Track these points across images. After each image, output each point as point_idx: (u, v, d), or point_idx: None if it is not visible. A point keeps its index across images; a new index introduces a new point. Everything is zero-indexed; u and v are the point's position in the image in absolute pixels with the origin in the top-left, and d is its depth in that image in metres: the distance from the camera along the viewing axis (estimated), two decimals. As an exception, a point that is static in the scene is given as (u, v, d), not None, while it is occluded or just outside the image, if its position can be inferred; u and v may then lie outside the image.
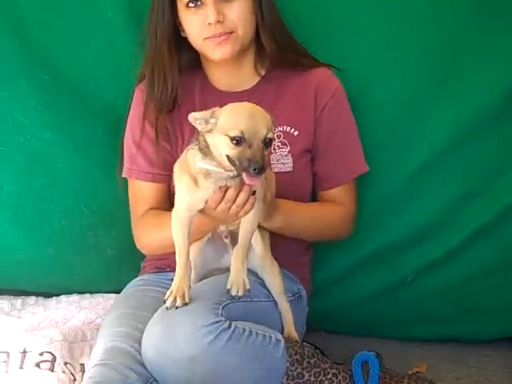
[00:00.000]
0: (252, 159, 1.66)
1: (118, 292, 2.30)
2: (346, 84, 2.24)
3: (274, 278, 2.01)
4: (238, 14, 2.04)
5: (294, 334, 2.01)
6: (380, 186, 2.40)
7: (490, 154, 2.36)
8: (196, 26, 2.06)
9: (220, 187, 1.78)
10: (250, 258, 1.93)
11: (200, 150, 1.78)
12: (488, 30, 2.27)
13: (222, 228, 1.98)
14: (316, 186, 2.25)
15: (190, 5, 2.04)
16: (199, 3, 2.03)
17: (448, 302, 2.49)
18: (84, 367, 2.09)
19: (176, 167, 1.88)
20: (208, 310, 1.77)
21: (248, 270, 1.93)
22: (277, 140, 2.16)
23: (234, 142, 1.69)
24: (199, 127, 1.75)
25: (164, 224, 1.96)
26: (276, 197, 2.00)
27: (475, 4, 2.26)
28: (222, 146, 1.71)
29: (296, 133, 2.17)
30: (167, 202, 2.18)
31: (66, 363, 2.07)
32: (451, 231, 2.41)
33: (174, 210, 1.85)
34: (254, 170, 1.66)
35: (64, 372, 2.02)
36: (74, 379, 2.03)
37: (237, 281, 1.85)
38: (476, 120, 2.33)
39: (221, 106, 1.78)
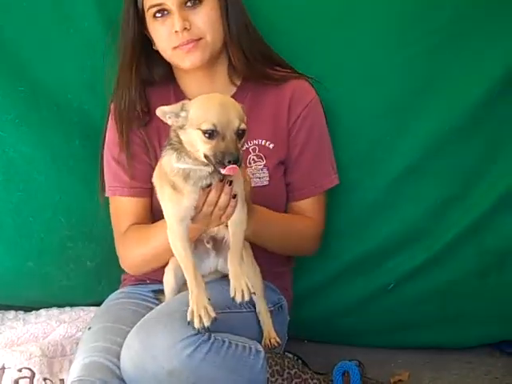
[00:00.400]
0: (226, 151, 1.64)
1: (98, 304, 2.29)
2: (326, 95, 2.24)
3: (255, 281, 1.97)
4: (205, 20, 2.03)
5: (274, 335, 1.98)
6: (360, 195, 2.40)
7: (468, 160, 2.37)
8: (164, 35, 2.05)
9: (203, 189, 1.76)
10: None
11: (174, 149, 1.75)
12: (464, 42, 2.28)
13: (203, 234, 1.95)
14: (287, 196, 2.23)
15: (157, 15, 2.04)
16: (165, 13, 2.03)
17: (430, 308, 2.49)
18: (64, 382, 2.07)
19: (155, 180, 1.85)
20: (187, 323, 1.75)
21: (226, 277, 1.91)
22: (252, 154, 2.15)
23: (207, 135, 1.67)
24: (169, 121, 1.74)
25: (148, 237, 1.96)
26: None
27: (452, 18, 2.28)
28: (196, 142, 1.69)
29: (271, 145, 2.16)
30: (149, 216, 2.16)
31: (45, 379, 2.05)
32: (432, 238, 2.42)
33: (168, 227, 1.82)
34: (229, 162, 1.63)
35: (43, 388, 2.02)
36: (54, 395, 2.02)
37: (239, 286, 1.77)
38: (454, 127, 2.33)
39: None
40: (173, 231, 1.81)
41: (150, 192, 2.11)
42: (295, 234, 2.20)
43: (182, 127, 1.72)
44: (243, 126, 1.70)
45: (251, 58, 2.12)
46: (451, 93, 2.31)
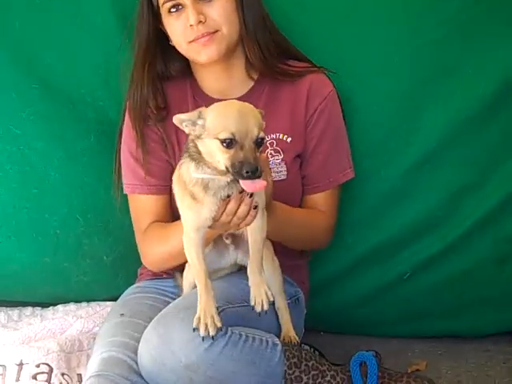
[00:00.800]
0: (244, 161, 1.61)
1: (115, 299, 2.29)
2: (341, 86, 2.23)
3: (274, 276, 1.98)
4: (220, 13, 2.02)
5: (293, 333, 1.99)
6: (375, 185, 2.40)
7: (483, 149, 2.36)
8: (179, 30, 2.04)
9: (222, 200, 1.74)
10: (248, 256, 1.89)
11: (192, 159, 1.73)
12: (476, 31, 2.27)
13: None
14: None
15: (172, 10, 2.03)
16: (180, 7, 2.02)
17: (446, 297, 2.49)
18: (81, 377, 2.09)
19: (174, 186, 1.83)
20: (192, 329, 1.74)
21: (245, 269, 1.91)
22: (270, 148, 2.14)
23: (225, 144, 1.63)
24: (186, 130, 1.71)
25: (168, 236, 1.96)
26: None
27: (464, 6, 2.26)
28: (215, 152, 1.66)
29: (289, 139, 2.15)
30: (169, 213, 2.15)
31: (63, 374, 2.07)
32: (448, 227, 2.41)
33: (184, 232, 1.81)
34: (247, 172, 1.60)
35: (61, 383, 2.03)
36: (72, 390, 2.04)
37: (259, 295, 1.78)
38: (468, 116, 2.33)
39: None
40: (188, 238, 1.80)
41: (168, 189, 2.09)
42: (310, 229, 2.19)
43: (199, 137, 1.69)
44: (262, 134, 1.66)
45: (267, 52, 2.10)
46: (465, 82, 2.31)
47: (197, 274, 1.79)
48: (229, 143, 1.63)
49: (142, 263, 2.30)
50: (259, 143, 1.66)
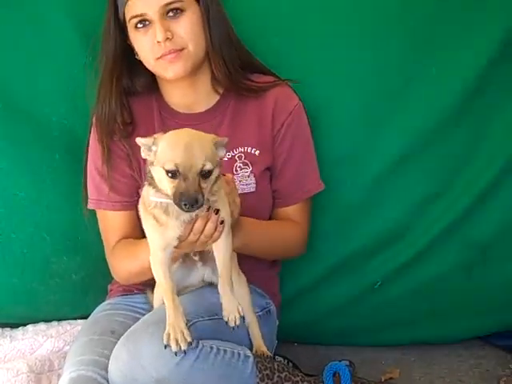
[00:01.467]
0: (184, 193, 1.63)
1: (86, 317, 2.26)
2: (305, 98, 2.23)
3: (241, 291, 1.98)
4: (187, 30, 2.02)
5: (264, 349, 1.99)
6: (343, 196, 2.41)
7: (447, 157, 2.39)
8: (146, 46, 2.04)
9: (187, 222, 1.76)
10: (216, 272, 1.90)
11: (149, 183, 1.76)
12: (442, 38, 2.30)
13: None
14: (272, 203, 2.23)
15: (139, 25, 2.03)
16: (147, 23, 2.02)
17: (417, 305, 2.50)
18: (52, 398, 2.06)
19: (140, 208, 1.84)
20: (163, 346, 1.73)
21: (213, 284, 1.93)
22: (238, 161, 2.14)
23: (170, 175, 1.66)
24: (143, 154, 1.74)
25: (136, 253, 1.95)
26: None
27: (427, 16, 2.29)
28: (162, 180, 1.70)
29: (257, 152, 2.15)
30: (138, 227, 2.10)
31: (33, 395, 2.05)
32: (416, 234, 2.44)
33: (151, 252, 1.82)
34: (185, 205, 1.63)
35: (32, 405, 2.00)
36: (43, 411, 2.01)
37: (232, 311, 1.83)
38: (433, 126, 2.36)
39: (179, 128, 1.76)
40: (154, 257, 1.81)
41: (134, 204, 2.08)
42: (283, 241, 2.20)
43: (152, 163, 1.72)
44: (209, 166, 1.67)
45: (232, 67, 2.11)
46: (428, 92, 2.33)
47: (164, 292, 1.79)
48: (173, 174, 1.66)
49: (111, 280, 2.29)
50: (206, 175, 1.68)
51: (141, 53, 2.08)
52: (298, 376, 1.98)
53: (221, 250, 1.84)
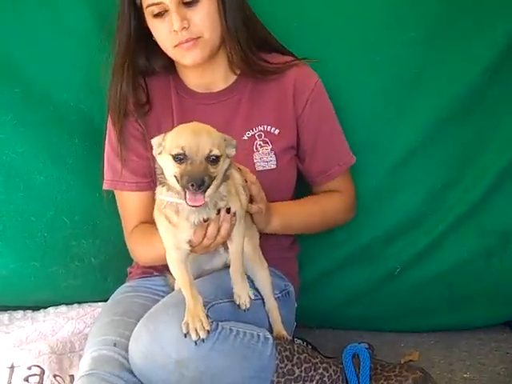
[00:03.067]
0: (190, 175, 1.66)
1: (106, 300, 2.26)
2: (326, 81, 2.22)
3: (262, 278, 2.00)
4: (203, 18, 2.02)
5: (284, 333, 2.00)
6: (362, 182, 2.39)
7: (465, 143, 2.38)
8: (164, 34, 2.05)
9: (200, 224, 1.78)
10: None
11: (160, 182, 1.79)
12: (460, 22, 2.29)
13: None
14: (312, 182, 2.26)
15: (155, 13, 2.02)
16: (164, 11, 2.01)
17: (437, 291, 2.49)
18: (74, 378, 2.05)
19: (155, 209, 1.87)
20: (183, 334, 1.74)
21: None
22: (258, 139, 2.15)
23: (177, 159, 1.69)
24: (155, 153, 1.77)
25: (153, 242, 1.95)
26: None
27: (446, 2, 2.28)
28: (168, 166, 1.72)
29: (277, 131, 2.16)
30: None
31: (55, 376, 2.06)
32: (435, 220, 2.42)
33: (166, 251, 1.85)
34: (192, 185, 1.65)
35: (53, 384, 2.02)
36: (64, 391, 2.03)
37: (244, 296, 1.87)
38: (452, 109, 2.35)
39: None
40: (170, 256, 1.85)
41: (149, 185, 2.11)
42: (322, 213, 2.23)
43: (160, 154, 1.76)
44: (216, 151, 1.70)
45: (248, 52, 2.11)
46: (448, 77, 2.32)
47: (182, 286, 1.81)
48: (180, 158, 1.69)
49: (131, 263, 2.31)
50: (213, 160, 1.70)
51: (158, 39, 2.08)
52: (318, 358, 1.98)
53: (232, 239, 1.86)
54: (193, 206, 1.70)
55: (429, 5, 2.28)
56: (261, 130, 2.16)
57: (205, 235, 1.79)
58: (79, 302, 2.57)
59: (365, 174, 2.38)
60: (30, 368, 2.06)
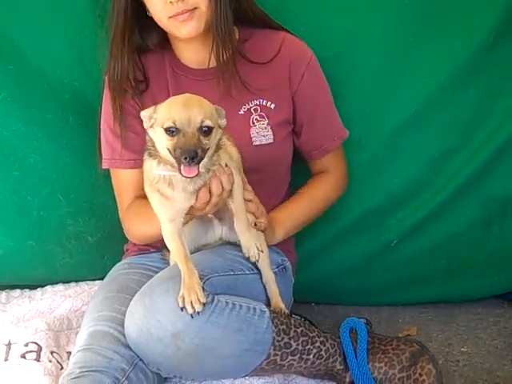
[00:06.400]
0: (183, 147, 1.66)
1: (103, 279, 2.25)
2: (321, 51, 2.22)
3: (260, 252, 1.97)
4: None
5: (282, 306, 1.99)
6: (358, 153, 2.39)
7: (464, 111, 2.36)
8: (159, 5, 2.02)
9: (197, 191, 1.77)
10: (235, 229, 1.93)
11: (150, 155, 1.79)
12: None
13: None
14: (306, 156, 2.27)
15: None
16: None
17: (435, 262, 2.49)
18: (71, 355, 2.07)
19: (145, 183, 1.86)
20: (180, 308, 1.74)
21: (231, 244, 1.98)
22: (254, 114, 2.15)
23: (169, 132, 1.69)
24: (145, 125, 1.77)
25: (149, 216, 1.93)
26: (259, 169, 2.05)
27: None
28: (161, 139, 1.72)
29: (273, 105, 2.16)
30: None
31: (52, 352, 2.06)
32: (432, 191, 2.41)
33: (161, 225, 1.85)
34: (185, 158, 1.65)
35: (50, 361, 2.01)
36: (61, 367, 2.02)
37: (252, 248, 1.91)
38: (449, 78, 2.32)
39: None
40: (165, 229, 1.84)
41: None
42: (323, 200, 2.28)
43: (151, 127, 1.75)
44: (208, 122, 1.70)
45: (224, 19, 2.06)
46: (445, 44, 2.29)
47: (178, 260, 1.81)
48: (172, 131, 1.69)
49: (127, 241, 2.30)
50: (206, 131, 1.70)
51: (153, 11, 2.06)
52: (315, 331, 1.98)
53: (232, 192, 1.85)
54: (187, 178, 1.70)
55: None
56: (257, 105, 2.15)
57: (211, 195, 1.79)
58: (76, 281, 2.57)
59: (360, 146, 2.38)
60: (26, 345, 2.05)
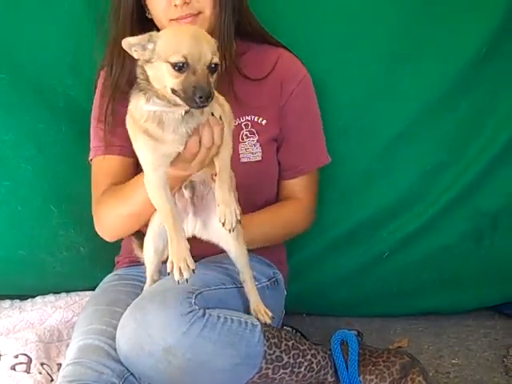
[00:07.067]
0: (197, 85, 1.54)
1: (94, 289, 2.24)
2: (311, 66, 2.22)
3: (240, 249, 1.89)
4: None
5: (262, 306, 1.90)
6: (350, 165, 2.40)
7: (456, 126, 2.38)
8: (161, 6, 1.99)
9: (188, 137, 1.65)
10: (212, 227, 1.84)
11: (141, 90, 1.65)
12: (447, 7, 2.28)
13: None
14: (281, 175, 2.23)
15: None
16: None
17: (425, 274, 2.50)
18: (61, 367, 2.05)
19: (128, 129, 1.73)
20: (181, 300, 1.74)
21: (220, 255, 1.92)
22: (245, 129, 2.13)
23: (177, 68, 1.56)
24: (135, 54, 1.62)
25: (125, 194, 1.89)
26: (246, 185, 1.95)
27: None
28: (164, 76, 1.58)
29: (264, 122, 2.15)
30: (131, 178, 2.03)
31: (42, 364, 2.06)
32: (424, 203, 2.43)
33: (144, 176, 1.73)
34: (200, 97, 1.53)
35: (40, 373, 2.01)
36: (52, 379, 2.02)
37: (229, 213, 1.71)
38: (441, 93, 2.34)
39: None
40: (149, 180, 1.71)
41: (131, 151, 1.88)
42: (286, 225, 2.21)
43: (148, 61, 1.61)
44: (216, 59, 1.59)
45: (226, 35, 2.04)
46: (437, 58, 2.31)
47: (164, 218, 1.70)
48: (180, 67, 1.56)
49: (119, 251, 2.30)
50: (213, 69, 1.60)
51: (154, 12, 2.03)
52: (306, 344, 1.97)
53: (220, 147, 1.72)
54: (197, 109, 1.59)
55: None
56: (248, 120, 2.14)
57: (200, 144, 1.66)
58: (67, 291, 2.56)
59: (353, 159, 2.38)
60: (16, 356, 2.05)
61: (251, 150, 2.13)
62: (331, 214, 2.41)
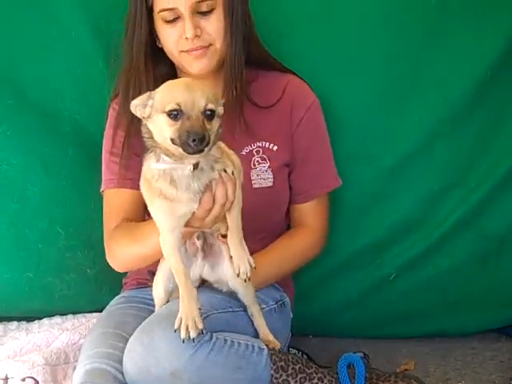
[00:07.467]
0: (190, 130, 1.57)
1: (101, 311, 2.26)
2: (318, 89, 2.23)
3: (246, 285, 1.91)
4: (216, 28, 2.01)
5: (271, 337, 1.94)
6: (356, 188, 2.41)
7: (463, 147, 2.39)
8: (173, 38, 2.02)
9: (202, 194, 1.69)
10: (219, 271, 1.89)
11: (150, 151, 1.69)
12: (452, 30, 2.30)
13: None
14: (290, 200, 2.23)
15: (168, 19, 2.00)
16: (177, 17, 1.99)
17: (432, 297, 2.50)
18: (68, 389, 2.08)
19: (142, 191, 1.77)
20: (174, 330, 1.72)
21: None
22: (256, 156, 2.14)
23: (172, 116, 1.60)
24: (138, 114, 1.67)
25: (139, 236, 1.91)
26: (257, 211, 1.98)
27: (440, 4, 2.28)
28: (163, 128, 1.62)
29: (275, 148, 2.16)
30: (142, 211, 2.07)
31: (49, 387, 2.06)
32: (430, 226, 2.44)
33: (161, 235, 1.75)
34: (194, 141, 1.57)
35: (47, 396, 2.01)
36: (59, 403, 2.02)
37: (243, 264, 1.76)
38: (447, 116, 2.36)
39: None
40: (164, 240, 1.75)
41: None
42: (297, 256, 2.20)
43: (149, 116, 1.66)
44: (211, 106, 1.62)
45: (237, 67, 2.06)
46: (442, 81, 2.33)
47: (177, 276, 1.74)
48: (175, 115, 1.61)
49: (126, 273, 2.30)
50: (209, 115, 1.63)
51: (166, 44, 2.06)
52: (312, 368, 1.98)
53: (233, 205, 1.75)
54: (194, 154, 1.61)
55: (426, 4, 2.28)
56: (259, 146, 2.15)
57: (214, 201, 1.69)
58: (74, 313, 2.56)
59: (360, 181, 2.39)
60: (23, 379, 2.04)
61: (263, 176, 2.14)
62: (338, 236, 2.41)
